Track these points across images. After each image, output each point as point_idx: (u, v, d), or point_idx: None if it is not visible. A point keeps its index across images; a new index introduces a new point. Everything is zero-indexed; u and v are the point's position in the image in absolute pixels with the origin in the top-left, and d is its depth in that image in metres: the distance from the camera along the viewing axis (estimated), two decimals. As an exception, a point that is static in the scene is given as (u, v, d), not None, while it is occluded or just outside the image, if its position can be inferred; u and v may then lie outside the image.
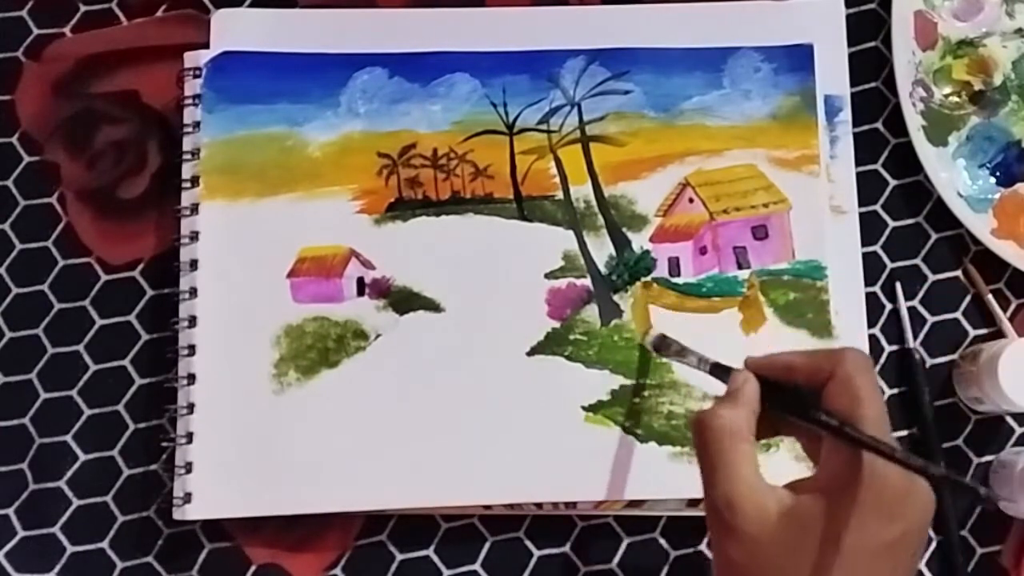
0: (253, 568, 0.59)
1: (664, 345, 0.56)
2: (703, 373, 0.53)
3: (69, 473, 0.59)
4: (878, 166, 0.64)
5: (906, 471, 0.42)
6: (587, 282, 0.60)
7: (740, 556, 0.44)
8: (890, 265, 0.63)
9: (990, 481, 0.61)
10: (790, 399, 0.47)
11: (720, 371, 0.51)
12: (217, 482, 0.57)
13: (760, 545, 0.43)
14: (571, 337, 0.59)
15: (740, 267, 0.60)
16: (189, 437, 0.57)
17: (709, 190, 0.61)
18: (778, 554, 0.43)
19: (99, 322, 0.61)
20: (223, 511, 0.58)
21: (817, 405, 0.45)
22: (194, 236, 0.59)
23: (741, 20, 0.63)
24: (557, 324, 0.59)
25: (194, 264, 0.59)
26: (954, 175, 0.63)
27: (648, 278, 0.60)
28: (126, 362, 0.61)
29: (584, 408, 0.58)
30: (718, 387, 0.50)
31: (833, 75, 0.63)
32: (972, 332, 0.63)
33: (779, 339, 0.59)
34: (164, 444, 0.59)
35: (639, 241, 0.60)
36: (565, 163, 0.61)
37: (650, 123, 0.61)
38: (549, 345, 0.59)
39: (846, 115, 0.62)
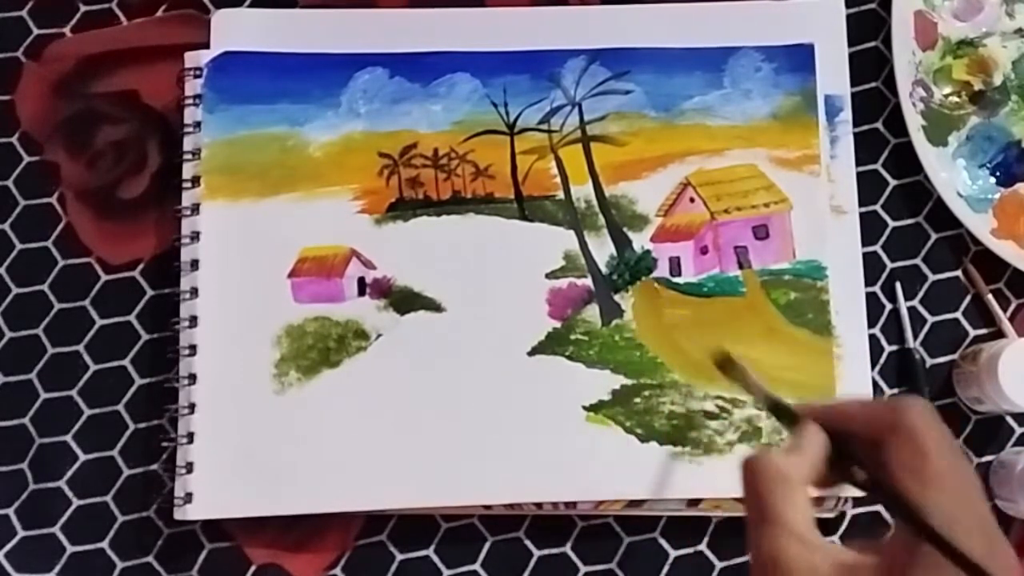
0: (253, 568, 0.59)
1: (728, 365, 0.50)
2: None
3: (69, 473, 0.59)
4: (878, 166, 0.64)
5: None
6: (588, 282, 0.60)
7: None
8: (890, 265, 0.63)
9: (990, 481, 0.61)
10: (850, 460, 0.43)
11: (779, 411, 0.47)
12: (218, 482, 0.57)
13: None
14: (572, 337, 0.59)
15: (741, 267, 0.60)
16: (190, 437, 0.57)
17: (710, 190, 0.61)
18: None
19: (99, 322, 0.61)
20: (224, 511, 0.58)
21: (868, 468, 0.42)
22: (195, 236, 0.59)
23: (741, 20, 0.63)
24: (558, 324, 0.59)
25: (195, 264, 0.59)
26: (954, 175, 0.63)
27: (649, 278, 0.60)
28: (126, 362, 0.61)
29: (585, 408, 0.58)
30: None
31: (833, 75, 0.63)
32: (972, 332, 0.63)
33: (779, 339, 0.59)
34: (164, 444, 0.59)
35: (640, 241, 0.60)
36: (566, 163, 0.61)
37: (651, 123, 0.61)
38: (550, 345, 0.59)
39: (846, 115, 0.62)
